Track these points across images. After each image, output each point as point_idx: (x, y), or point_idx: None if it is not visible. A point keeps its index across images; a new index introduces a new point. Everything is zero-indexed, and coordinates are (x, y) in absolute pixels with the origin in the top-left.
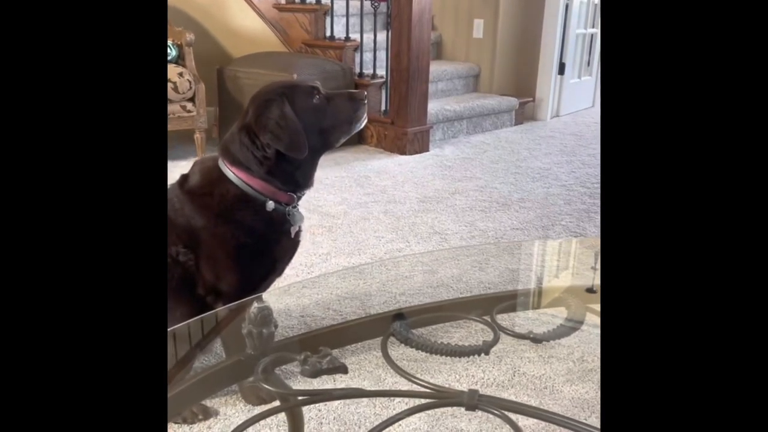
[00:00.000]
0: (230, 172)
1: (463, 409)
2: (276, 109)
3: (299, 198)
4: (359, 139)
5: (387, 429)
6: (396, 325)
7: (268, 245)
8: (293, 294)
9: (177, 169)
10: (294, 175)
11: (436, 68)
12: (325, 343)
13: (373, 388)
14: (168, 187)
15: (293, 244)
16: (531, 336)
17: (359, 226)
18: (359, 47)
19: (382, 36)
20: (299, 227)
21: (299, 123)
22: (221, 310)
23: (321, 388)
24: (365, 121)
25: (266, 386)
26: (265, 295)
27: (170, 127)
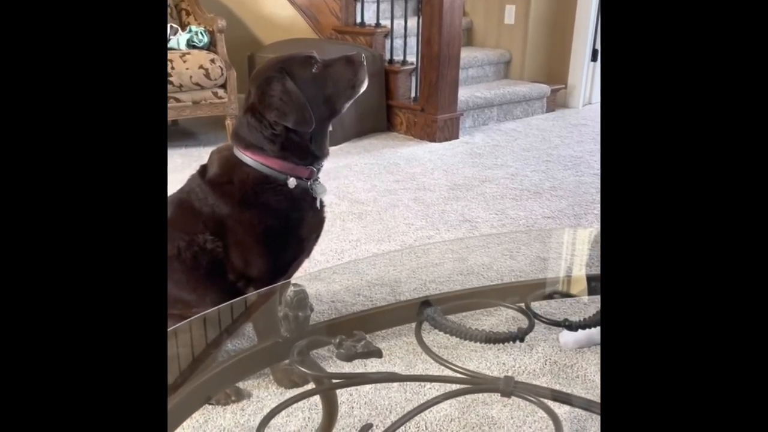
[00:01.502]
0: (246, 157)
1: (494, 396)
2: (277, 86)
3: (318, 170)
4: (388, 126)
5: (419, 415)
6: (429, 310)
7: (293, 225)
8: (324, 279)
9: (208, 156)
10: (308, 148)
11: (466, 55)
12: (355, 329)
13: (405, 374)
14: (189, 177)
15: (319, 221)
16: (566, 324)
17: (389, 213)
18: (389, 33)
19: (412, 22)
20: (322, 200)
21: (302, 96)
22: (251, 295)
23: (354, 371)
24: (366, 83)
25: (302, 369)
26: (297, 280)
27: (202, 113)
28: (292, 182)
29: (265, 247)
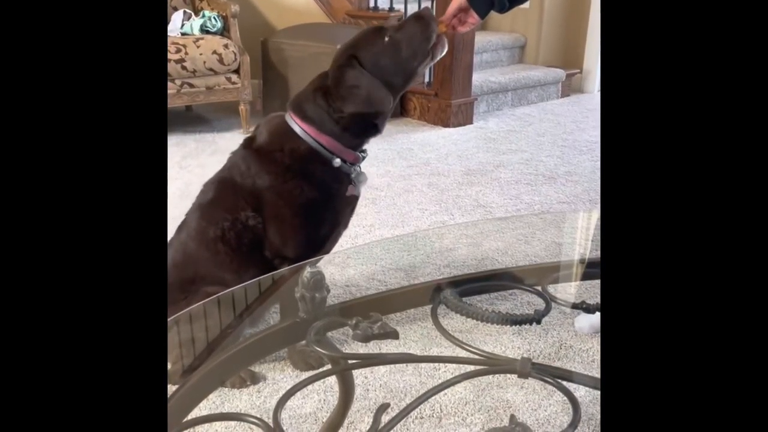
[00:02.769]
0: (299, 128)
1: (509, 380)
2: (350, 75)
3: (363, 158)
4: (402, 112)
5: (434, 398)
6: (446, 293)
7: (332, 200)
8: (338, 264)
9: (222, 141)
10: (375, 124)
11: (481, 39)
12: (371, 311)
13: (422, 355)
14: (230, 154)
15: (354, 197)
16: (584, 306)
17: (403, 199)
18: (403, 17)
19: (426, 6)
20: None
21: (375, 80)
22: (282, 271)
23: (370, 353)
24: (439, 40)
25: (319, 349)
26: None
27: (215, 98)
28: (337, 162)
29: (303, 220)
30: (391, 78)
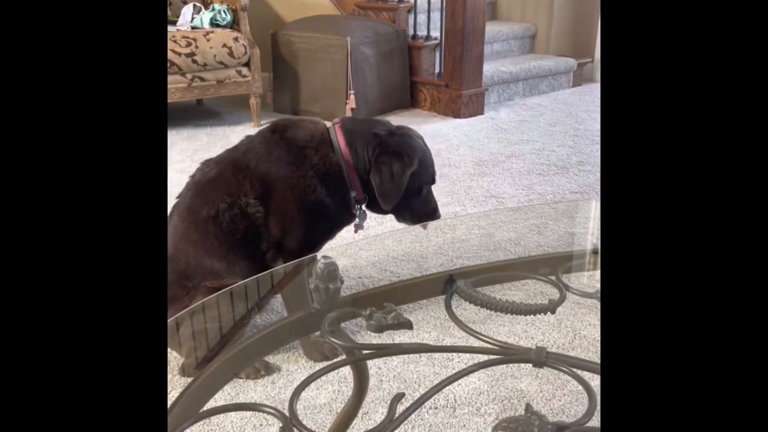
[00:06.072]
0: (338, 145)
1: (523, 370)
2: (399, 167)
3: (366, 201)
4: (412, 103)
5: (448, 387)
6: (460, 282)
7: (334, 213)
8: (350, 255)
9: (234, 135)
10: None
11: (491, 29)
12: (384, 301)
13: (437, 345)
14: (245, 138)
15: (345, 224)
16: (599, 296)
17: None
18: (413, 8)
19: None
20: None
21: (404, 186)
22: (279, 269)
23: (384, 342)
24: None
25: (334, 340)
26: (324, 254)
27: (226, 92)
28: (353, 192)
29: (306, 217)
30: (403, 195)
